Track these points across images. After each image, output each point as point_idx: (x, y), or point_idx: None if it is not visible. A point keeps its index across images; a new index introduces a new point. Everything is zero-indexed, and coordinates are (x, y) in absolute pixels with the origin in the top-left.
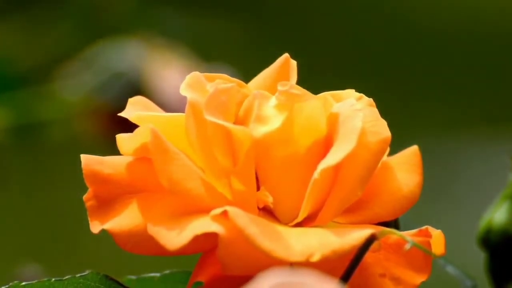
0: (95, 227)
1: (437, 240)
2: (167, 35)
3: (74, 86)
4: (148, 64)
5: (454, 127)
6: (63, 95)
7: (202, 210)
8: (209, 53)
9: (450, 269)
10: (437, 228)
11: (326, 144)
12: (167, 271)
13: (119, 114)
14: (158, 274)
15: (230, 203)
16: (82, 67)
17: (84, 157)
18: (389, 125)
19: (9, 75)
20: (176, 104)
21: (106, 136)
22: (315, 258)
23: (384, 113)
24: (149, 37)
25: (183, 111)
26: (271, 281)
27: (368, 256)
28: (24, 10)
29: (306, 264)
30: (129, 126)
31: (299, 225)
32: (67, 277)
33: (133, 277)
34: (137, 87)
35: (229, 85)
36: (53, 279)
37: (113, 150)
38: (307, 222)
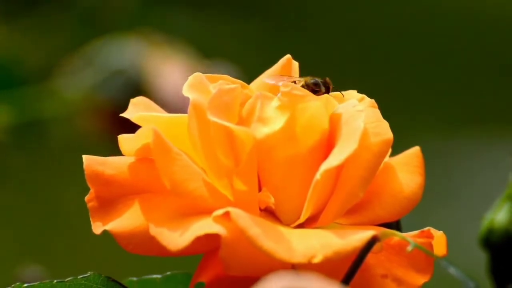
0: (97, 228)
1: (439, 241)
2: (168, 33)
3: (75, 84)
4: (148, 62)
5: (454, 127)
6: (64, 93)
7: (204, 211)
8: (210, 51)
9: (452, 270)
10: (438, 229)
11: (328, 145)
12: (168, 272)
13: (121, 115)
14: (159, 276)
15: (232, 204)
16: (83, 65)
17: (86, 158)
18: (391, 126)
19: (11, 74)
20: (176, 102)
21: (107, 134)
22: (317, 259)
23: (385, 114)
24: (150, 34)
25: (183, 109)
26: (275, 285)
27: (370, 257)
28: (26, 10)
29: (308, 265)
30: (130, 124)
31: (301, 226)
32: (69, 278)
33: (134, 278)
34: (137, 85)
35: (232, 86)
36: (55, 281)
37: (115, 147)
38: (309, 223)
